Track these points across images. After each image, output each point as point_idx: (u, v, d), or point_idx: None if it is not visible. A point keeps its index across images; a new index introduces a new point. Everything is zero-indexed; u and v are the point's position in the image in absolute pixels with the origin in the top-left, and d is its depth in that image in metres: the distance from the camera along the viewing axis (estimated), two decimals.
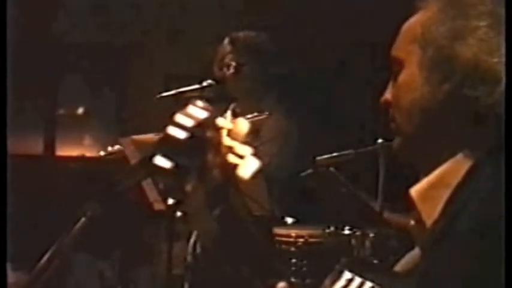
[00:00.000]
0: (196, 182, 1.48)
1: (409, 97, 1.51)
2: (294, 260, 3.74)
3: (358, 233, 3.53)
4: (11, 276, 3.24)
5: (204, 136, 1.47)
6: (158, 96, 3.79)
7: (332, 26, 5.83)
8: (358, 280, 1.45)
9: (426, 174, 1.49)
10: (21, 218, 5.22)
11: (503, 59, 1.44)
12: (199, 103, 1.50)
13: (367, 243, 3.48)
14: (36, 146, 6.72)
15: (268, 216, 3.52)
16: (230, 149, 1.50)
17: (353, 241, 3.53)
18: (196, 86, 3.77)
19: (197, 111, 1.49)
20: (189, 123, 1.47)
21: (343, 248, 3.55)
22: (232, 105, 4.00)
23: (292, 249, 3.76)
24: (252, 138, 3.92)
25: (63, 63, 6.68)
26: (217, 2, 6.21)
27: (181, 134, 1.46)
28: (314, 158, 3.48)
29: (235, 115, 3.84)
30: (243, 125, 1.52)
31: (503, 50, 1.44)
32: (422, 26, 1.51)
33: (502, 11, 1.48)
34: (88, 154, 6.67)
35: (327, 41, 5.75)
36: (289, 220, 3.95)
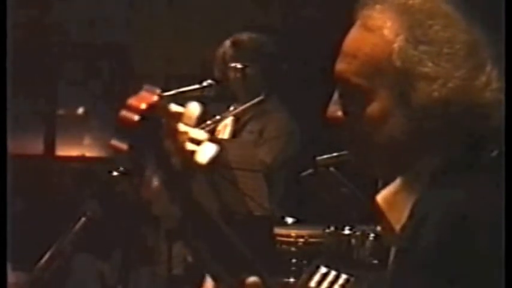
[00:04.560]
0: (155, 169, 1.47)
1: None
2: (294, 260, 3.74)
3: (358, 233, 3.52)
4: (11, 276, 3.24)
5: (158, 121, 1.46)
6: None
7: (334, 25, 5.83)
8: (333, 273, 1.45)
9: (388, 182, 1.49)
10: (21, 218, 5.22)
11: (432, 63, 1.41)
12: (151, 87, 1.51)
13: (367, 244, 3.47)
14: (36, 146, 6.72)
15: (268, 216, 3.52)
16: (186, 135, 1.48)
17: (353, 241, 3.52)
18: (196, 86, 3.77)
19: (149, 95, 1.49)
20: (141, 106, 1.48)
21: (343, 248, 3.55)
22: (233, 105, 4.00)
23: (292, 249, 3.76)
24: (257, 137, 3.93)
25: (63, 63, 6.68)
26: (218, 2, 6.22)
27: (134, 117, 1.47)
28: (314, 158, 3.48)
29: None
30: (194, 109, 1.49)
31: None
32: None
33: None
34: (88, 154, 6.67)
35: (329, 41, 5.74)
36: (289, 220, 3.96)
